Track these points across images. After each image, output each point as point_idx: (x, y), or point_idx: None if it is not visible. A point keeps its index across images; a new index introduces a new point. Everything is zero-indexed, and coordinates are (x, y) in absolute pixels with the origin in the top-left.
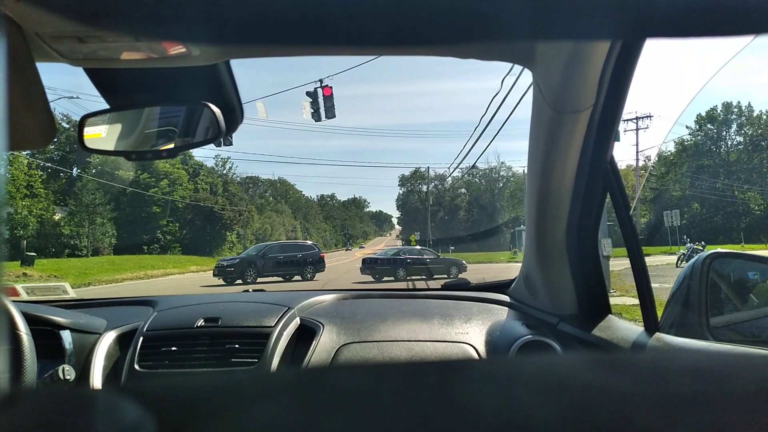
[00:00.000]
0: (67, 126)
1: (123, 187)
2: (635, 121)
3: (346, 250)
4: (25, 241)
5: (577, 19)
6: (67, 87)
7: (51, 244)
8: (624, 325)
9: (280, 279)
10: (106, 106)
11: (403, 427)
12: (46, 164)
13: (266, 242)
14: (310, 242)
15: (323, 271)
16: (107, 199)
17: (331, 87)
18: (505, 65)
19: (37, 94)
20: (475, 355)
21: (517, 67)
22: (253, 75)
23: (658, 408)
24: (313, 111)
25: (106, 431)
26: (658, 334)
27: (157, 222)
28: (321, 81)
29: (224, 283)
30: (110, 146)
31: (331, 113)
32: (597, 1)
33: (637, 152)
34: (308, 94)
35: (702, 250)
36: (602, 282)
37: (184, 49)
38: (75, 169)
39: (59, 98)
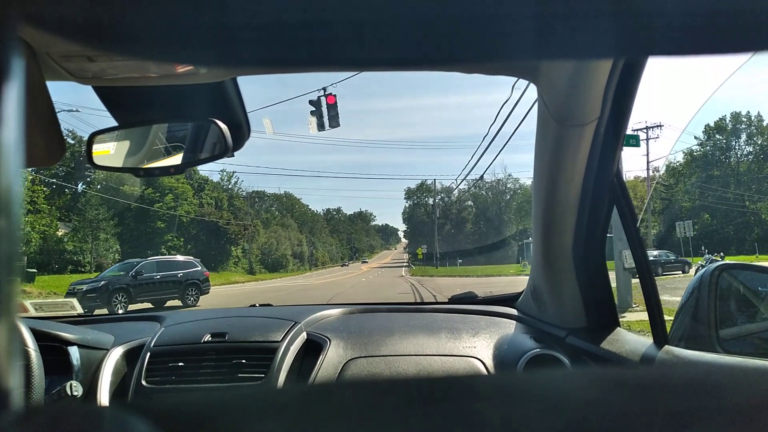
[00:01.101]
0: (72, 142)
1: (127, 202)
2: (645, 130)
3: (343, 266)
4: (25, 258)
5: (580, 38)
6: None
7: (54, 260)
8: (633, 338)
9: (151, 305)
10: (115, 124)
11: None
12: (51, 180)
13: (137, 258)
14: (185, 258)
15: (208, 293)
16: (111, 214)
17: (334, 95)
18: (511, 79)
19: (46, 112)
20: (483, 370)
21: (523, 82)
22: (259, 91)
23: (668, 425)
24: (317, 119)
25: None
26: (667, 347)
27: (161, 237)
28: (324, 89)
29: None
30: (119, 163)
31: (335, 122)
32: (600, 21)
33: (648, 162)
34: (311, 102)
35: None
36: (610, 295)
37: (191, 67)
38: (80, 184)
39: (59, 111)
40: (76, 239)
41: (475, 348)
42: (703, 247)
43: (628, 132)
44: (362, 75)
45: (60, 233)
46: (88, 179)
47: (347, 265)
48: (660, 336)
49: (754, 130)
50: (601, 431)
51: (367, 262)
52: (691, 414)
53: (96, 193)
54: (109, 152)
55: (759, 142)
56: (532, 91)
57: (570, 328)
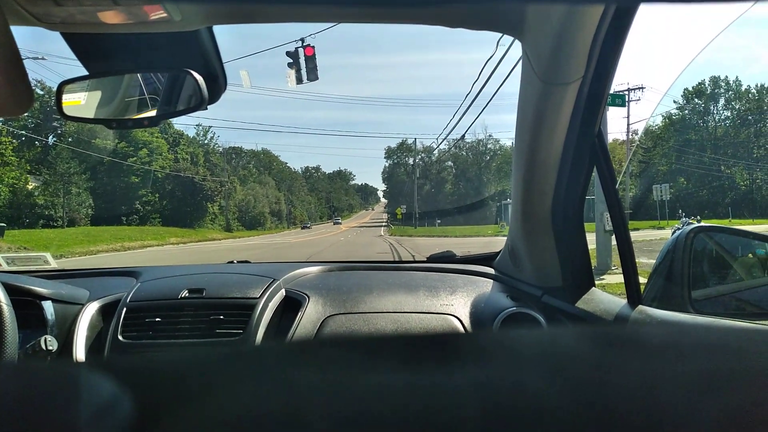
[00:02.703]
0: (41, 92)
1: (100, 156)
2: (627, 92)
3: (304, 228)
4: None
5: None
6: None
7: (25, 214)
8: (607, 298)
9: None
10: (85, 72)
11: (389, 401)
12: (20, 132)
13: None
14: None
15: None
16: (83, 168)
17: (313, 47)
18: (495, 36)
19: (11, 60)
20: (460, 327)
21: (507, 39)
22: (236, 43)
23: (638, 382)
24: (294, 71)
25: (79, 407)
26: (640, 307)
27: (135, 192)
28: (302, 40)
29: None
30: (90, 114)
31: (313, 75)
32: None
33: (629, 125)
34: (289, 54)
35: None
36: (587, 255)
37: (165, 14)
38: (51, 136)
39: (24, 59)
40: (47, 193)
41: (453, 306)
42: (680, 211)
43: (612, 92)
44: (342, 28)
45: (30, 186)
46: (59, 131)
47: (309, 228)
48: (634, 296)
49: (732, 95)
50: (578, 388)
51: (340, 223)
52: (663, 372)
53: (67, 146)
54: (79, 102)
55: (737, 107)
56: (516, 50)
57: (546, 288)
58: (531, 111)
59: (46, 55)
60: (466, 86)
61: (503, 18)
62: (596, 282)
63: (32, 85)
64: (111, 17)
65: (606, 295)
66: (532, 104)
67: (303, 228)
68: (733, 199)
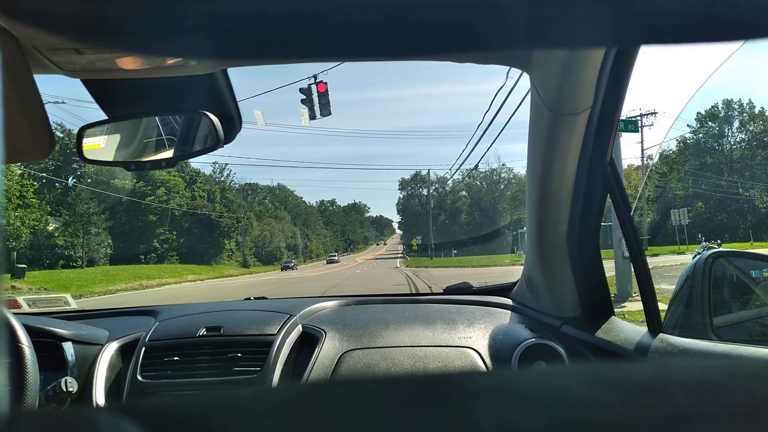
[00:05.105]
0: (62, 135)
1: (118, 196)
2: (639, 118)
3: (284, 269)
4: (15, 253)
5: (572, 26)
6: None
7: (45, 255)
8: (627, 327)
9: None
10: (104, 117)
11: None
12: (41, 174)
13: None
14: None
15: None
16: (102, 208)
17: (326, 83)
18: (504, 68)
19: (35, 106)
20: (479, 360)
21: (516, 71)
22: (250, 81)
23: (662, 419)
24: (308, 108)
25: None
26: (661, 335)
27: (153, 231)
28: (315, 77)
29: None
30: (109, 157)
31: (326, 110)
32: (593, 10)
33: (642, 150)
34: (302, 90)
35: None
36: (604, 283)
37: (181, 59)
38: (70, 178)
39: (45, 104)
40: (67, 234)
41: (471, 338)
42: (700, 235)
43: (625, 118)
44: (353, 65)
45: (50, 228)
46: (78, 173)
47: (292, 267)
48: (654, 324)
49: (747, 117)
50: (597, 429)
51: (336, 260)
52: (689, 412)
53: (86, 187)
54: (99, 146)
55: (751, 129)
56: (526, 80)
57: (565, 318)
58: (542, 141)
59: (63, 99)
60: (478, 117)
61: (511, 53)
62: (617, 310)
63: (53, 128)
64: (129, 63)
65: (626, 323)
66: (542, 134)
67: (284, 269)
68: (753, 222)
